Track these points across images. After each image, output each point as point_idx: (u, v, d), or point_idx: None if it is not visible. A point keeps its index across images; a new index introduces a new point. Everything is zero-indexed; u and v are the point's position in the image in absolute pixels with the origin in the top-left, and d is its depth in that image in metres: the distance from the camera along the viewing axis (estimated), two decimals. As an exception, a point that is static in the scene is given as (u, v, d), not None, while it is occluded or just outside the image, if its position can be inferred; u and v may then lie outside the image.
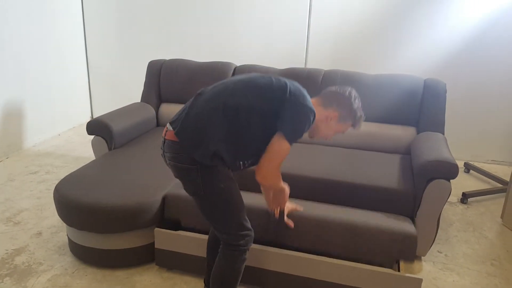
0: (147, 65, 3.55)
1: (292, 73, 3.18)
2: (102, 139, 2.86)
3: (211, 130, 1.59)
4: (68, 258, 2.37)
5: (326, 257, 2.02)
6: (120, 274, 2.24)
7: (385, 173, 2.51)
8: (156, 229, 2.19)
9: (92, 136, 2.91)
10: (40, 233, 2.62)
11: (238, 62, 3.48)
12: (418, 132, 2.95)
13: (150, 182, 2.34)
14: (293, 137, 1.59)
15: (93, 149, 2.92)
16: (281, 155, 1.60)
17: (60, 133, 4.68)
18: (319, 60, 4.27)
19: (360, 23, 4.13)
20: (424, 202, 2.30)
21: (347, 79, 3.07)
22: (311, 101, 1.65)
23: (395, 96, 2.97)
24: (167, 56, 3.73)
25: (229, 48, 4.52)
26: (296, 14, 4.24)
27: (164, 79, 3.45)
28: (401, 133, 2.97)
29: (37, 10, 4.19)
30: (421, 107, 2.95)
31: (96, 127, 2.85)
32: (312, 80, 3.10)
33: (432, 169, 2.27)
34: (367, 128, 2.99)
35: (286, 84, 1.62)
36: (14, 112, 4.01)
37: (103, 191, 2.22)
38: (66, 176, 2.41)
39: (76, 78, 4.95)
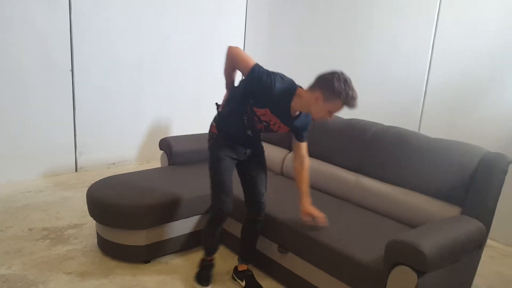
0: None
1: (350, 124, 3.04)
2: (165, 154, 3.41)
3: None
4: (95, 240, 2.95)
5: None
6: (112, 263, 2.69)
7: (368, 244, 2.21)
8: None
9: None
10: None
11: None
12: (463, 214, 2.40)
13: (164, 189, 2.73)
14: None
15: (160, 161, 3.50)
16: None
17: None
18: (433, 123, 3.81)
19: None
20: (388, 291, 1.95)
21: (400, 138, 2.75)
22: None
23: (443, 167, 2.51)
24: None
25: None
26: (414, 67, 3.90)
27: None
28: (439, 210, 2.47)
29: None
30: (470, 185, 2.39)
31: (163, 144, 3.43)
32: (361, 133, 2.90)
33: (394, 251, 1.92)
34: (407, 197, 2.62)
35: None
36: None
37: (119, 192, 2.72)
38: (111, 176, 3.03)
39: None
